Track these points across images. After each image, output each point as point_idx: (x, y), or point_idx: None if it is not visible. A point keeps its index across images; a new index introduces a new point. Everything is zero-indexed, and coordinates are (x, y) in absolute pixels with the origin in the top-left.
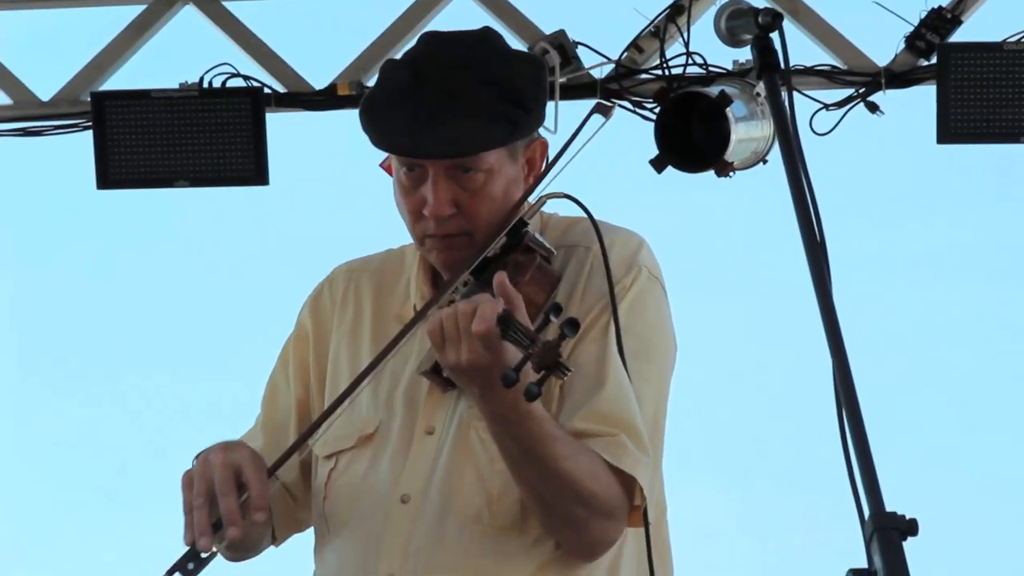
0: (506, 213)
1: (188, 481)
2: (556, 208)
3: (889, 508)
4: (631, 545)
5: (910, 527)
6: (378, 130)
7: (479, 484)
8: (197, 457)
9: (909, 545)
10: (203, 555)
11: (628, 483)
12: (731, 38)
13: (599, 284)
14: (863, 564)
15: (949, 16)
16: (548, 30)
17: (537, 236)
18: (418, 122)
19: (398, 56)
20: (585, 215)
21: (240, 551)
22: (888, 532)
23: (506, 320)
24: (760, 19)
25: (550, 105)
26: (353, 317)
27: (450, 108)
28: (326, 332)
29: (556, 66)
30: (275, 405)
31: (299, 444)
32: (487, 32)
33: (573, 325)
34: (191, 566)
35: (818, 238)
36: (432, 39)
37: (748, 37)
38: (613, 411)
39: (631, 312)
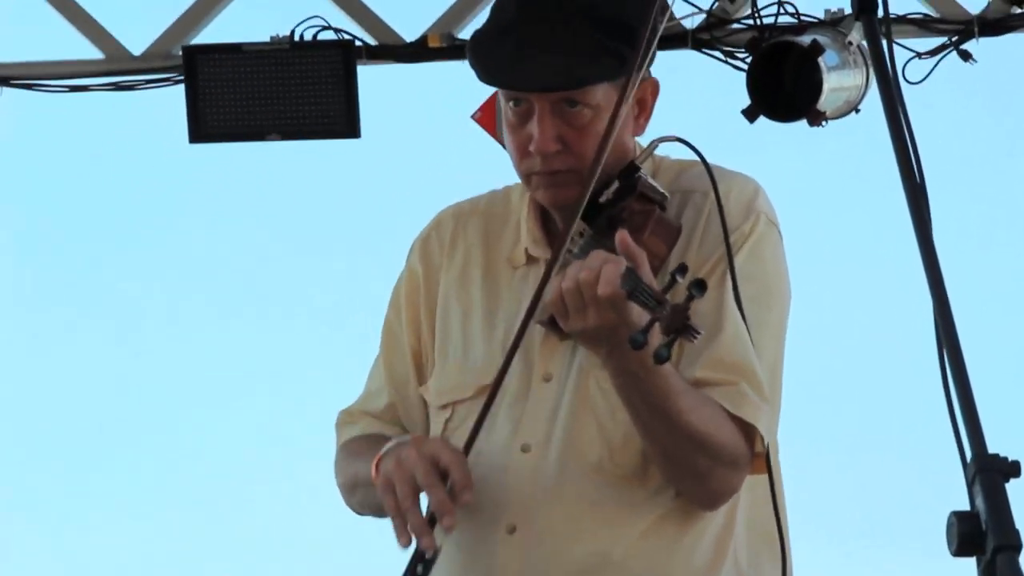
0: (616, 155)
1: (387, 485)
2: (667, 151)
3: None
4: (745, 493)
5: (1013, 469)
6: (483, 64)
7: (600, 433)
8: (380, 460)
9: (1013, 487)
10: (427, 555)
11: (749, 431)
12: None
13: (717, 231)
14: (966, 507)
15: None
16: None
17: (650, 180)
18: (523, 56)
19: (490, 4)
20: (698, 159)
21: None
22: (991, 474)
23: (633, 282)
24: None
25: None
26: (462, 261)
27: (556, 42)
28: (435, 276)
29: None
30: (396, 355)
31: (483, 418)
32: None
33: (701, 286)
34: (420, 569)
35: (918, 179)
36: None
37: None
38: (733, 358)
39: (750, 258)
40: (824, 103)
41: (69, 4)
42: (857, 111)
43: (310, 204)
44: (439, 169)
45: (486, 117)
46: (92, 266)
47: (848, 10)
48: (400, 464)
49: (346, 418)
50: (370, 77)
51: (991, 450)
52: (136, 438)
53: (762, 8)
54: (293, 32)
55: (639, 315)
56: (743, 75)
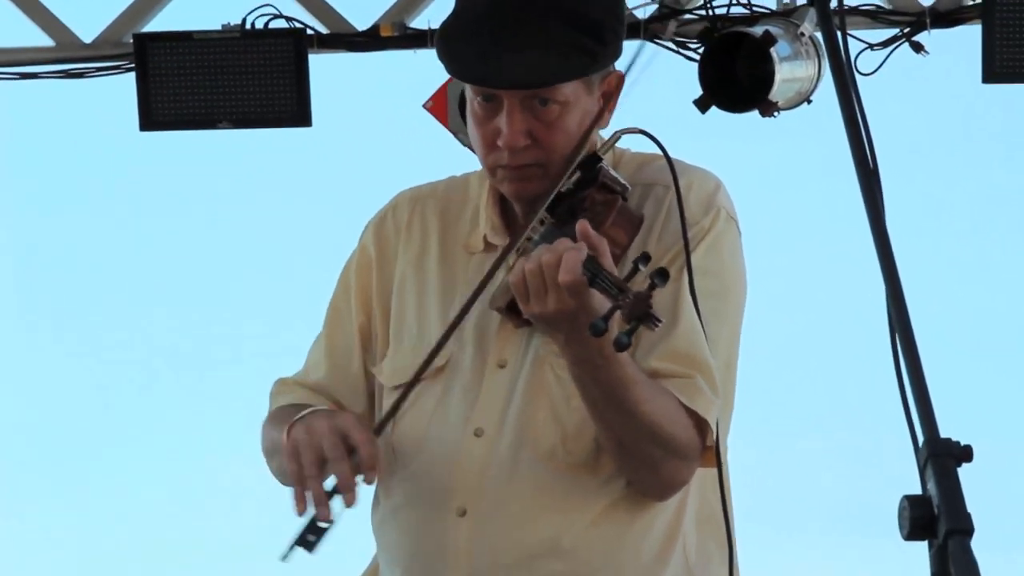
0: (579, 146)
1: (293, 451)
2: (628, 144)
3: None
4: (695, 485)
5: (965, 453)
6: (455, 59)
7: (554, 421)
8: (292, 426)
9: (964, 471)
10: (322, 525)
11: (702, 424)
12: None
13: (676, 225)
14: (918, 491)
15: None
16: None
17: (612, 172)
18: (496, 52)
19: None
20: (660, 152)
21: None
22: (943, 458)
23: (594, 269)
24: None
25: None
26: (419, 245)
27: (528, 38)
28: (390, 258)
29: None
30: (338, 330)
31: (402, 400)
32: None
33: (663, 275)
34: (312, 538)
35: (871, 166)
36: None
37: None
38: (689, 351)
39: (708, 253)
40: (776, 94)
41: None
42: (809, 102)
43: (261, 192)
44: (390, 158)
45: (437, 106)
46: (38, 252)
47: (800, 0)
48: (310, 432)
49: (280, 387)
50: (322, 66)
51: (943, 434)
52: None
53: None
54: (244, 20)
55: (600, 303)
56: (695, 65)
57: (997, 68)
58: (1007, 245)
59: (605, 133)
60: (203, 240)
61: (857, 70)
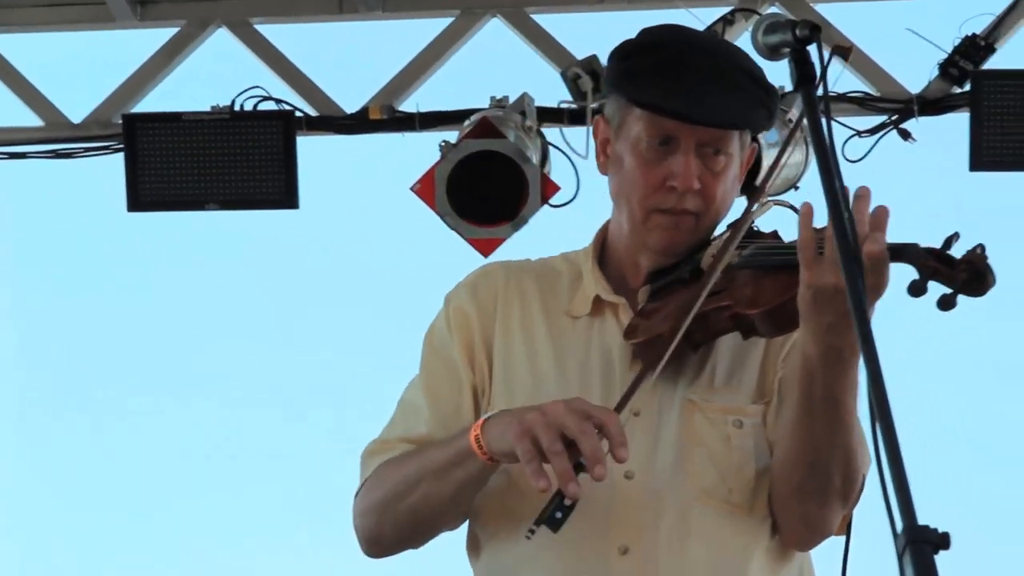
0: (728, 208)
1: (526, 433)
2: None
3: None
4: (808, 558)
5: (943, 541)
6: (650, 90)
7: (711, 462)
8: (490, 423)
9: (942, 559)
10: (567, 503)
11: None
12: (768, 51)
13: None
14: None
15: (982, 43)
16: (580, 55)
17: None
18: (698, 90)
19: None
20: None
21: (446, 523)
22: (920, 546)
23: (898, 245)
24: (798, 31)
25: (581, 130)
26: (520, 310)
27: (724, 83)
28: (490, 316)
29: (588, 91)
30: (443, 389)
31: (639, 381)
32: None
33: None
34: (558, 515)
35: (854, 249)
36: (671, 28)
37: (786, 50)
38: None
39: None
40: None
41: (8, 70)
42: (796, 188)
43: (248, 275)
44: (378, 240)
45: (425, 189)
46: (26, 332)
47: (788, 87)
48: (544, 414)
49: (380, 447)
50: (310, 148)
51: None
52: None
53: None
54: (234, 102)
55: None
56: None
57: (984, 156)
58: (994, 332)
59: None
60: (189, 322)
61: (844, 156)
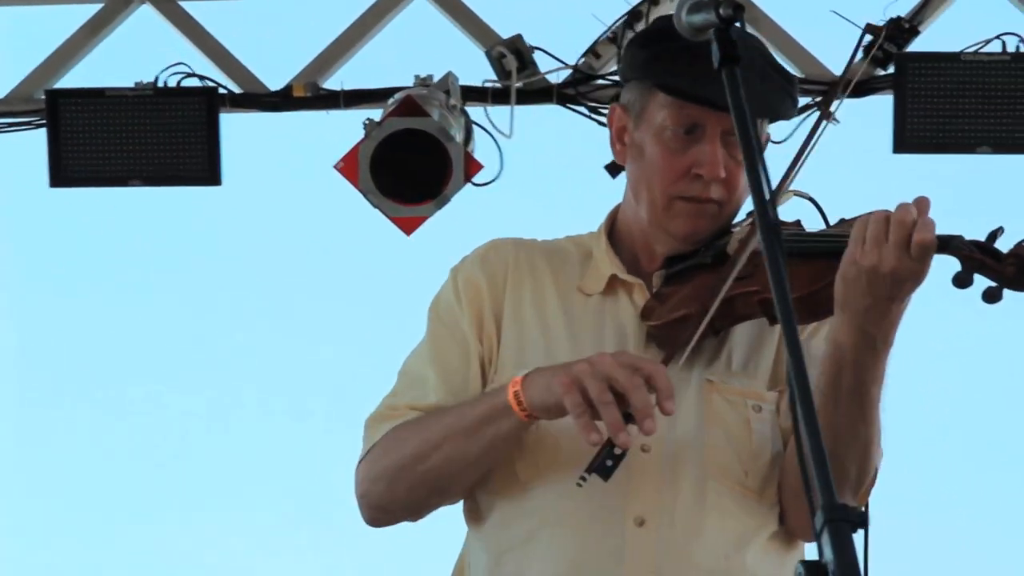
0: (745, 197)
1: (574, 381)
2: None
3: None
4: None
5: (861, 519)
6: (681, 77)
7: (729, 443)
8: (530, 378)
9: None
10: (617, 452)
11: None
12: (692, 31)
13: None
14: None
15: (907, 26)
16: (505, 34)
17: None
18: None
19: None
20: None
21: (449, 493)
22: (839, 524)
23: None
24: (721, 10)
25: (505, 109)
26: (532, 285)
27: (765, 74)
28: (500, 288)
29: (513, 71)
30: (451, 359)
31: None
32: None
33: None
34: (610, 463)
35: (772, 221)
36: None
37: (709, 30)
38: None
39: None
40: None
41: None
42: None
43: (170, 251)
44: (300, 218)
45: (348, 167)
46: None
47: None
48: (593, 365)
49: (388, 413)
50: (233, 125)
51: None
52: None
53: None
54: (157, 79)
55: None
56: (607, 130)
57: (908, 138)
58: (920, 314)
59: None
60: (110, 298)
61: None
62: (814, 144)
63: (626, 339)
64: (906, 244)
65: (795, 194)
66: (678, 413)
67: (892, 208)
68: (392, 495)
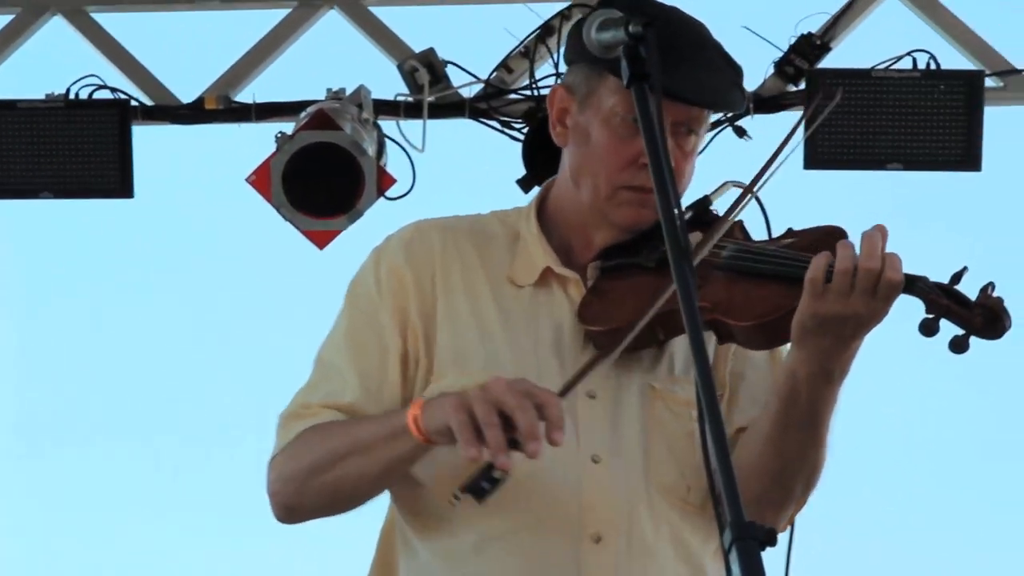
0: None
1: (462, 405)
2: None
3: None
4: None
5: (769, 537)
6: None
7: (671, 457)
8: (429, 406)
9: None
10: (496, 475)
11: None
12: (601, 49)
13: None
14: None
15: (818, 42)
16: (418, 48)
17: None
18: (686, 68)
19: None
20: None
21: (362, 498)
22: (747, 542)
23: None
24: (631, 27)
25: (418, 123)
26: (462, 275)
27: (704, 62)
28: (428, 282)
29: (425, 85)
30: (370, 354)
31: (592, 365)
32: None
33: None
34: (486, 486)
35: (683, 245)
36: (660, 8)
37: (619, 47)
38: None
39: None
40: None
41: None
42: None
43: (81, 264)
44: (213, 231)
45: (260, 180)
46: None
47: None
48: (485, 390)
49: (302, 411)
50: (146, 138)
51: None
52: None
53: (540, 79)
54: (69, 90)
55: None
56: (519, 145)
57: (819, 154)
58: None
59: None
60: (22, 310)
61: None
62: (788, 154)
63: (563, 338)
64: (873, 289)
65: (733, 185)
66: (622, 420)
67: (808, 222)
68: (301, 498)
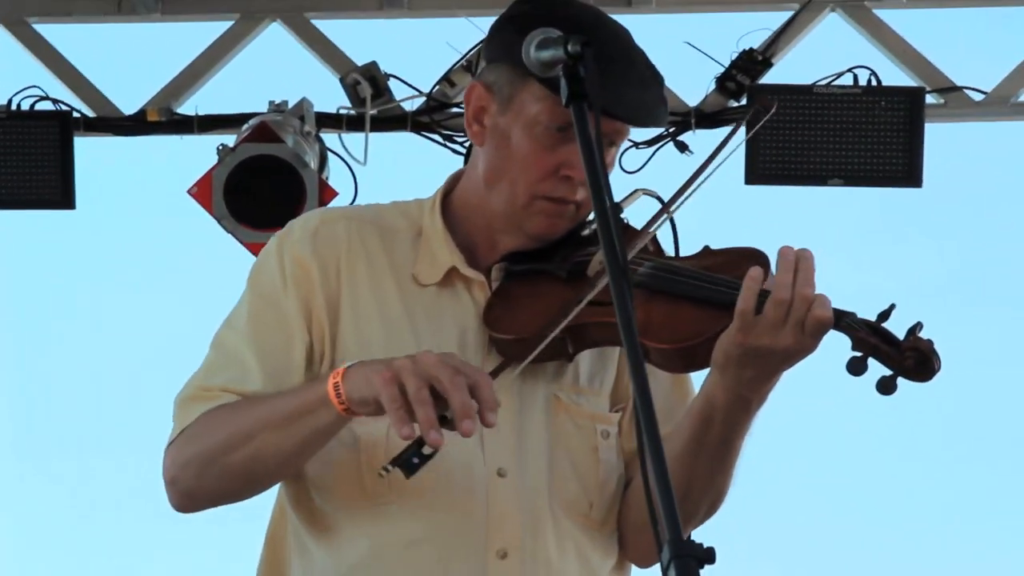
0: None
1: (393, 377)
2: None
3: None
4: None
5: (708, 555)
6: (579, 86)
7: (575, 472)
8: (351, 372)
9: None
10: (426, 452)
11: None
12: (541, 67)
13: None
14: None
15: (760, 58)
16: (360, 61)
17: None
18: (614, 81)
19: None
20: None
21: (269, 480)
22: (686, 560)
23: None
24: (569, 47)
25: (360, 136)
26: (368, 269)
27: (635, 77)
28: (333, 273)
29: (367, 98)
30: (270, 343)
31: (498, 373)
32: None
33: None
34: (415, 461)
35: (621, 262)
36: (582, 7)
37: (558, 66)
38: None
39: None
40: None
41: None
42: None
43: (21, 275)
44: (154, 242)
45: (202, 192)
46: None
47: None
48: (416, 363)
49: (200, 393)
50: (87, 149)
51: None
52: None
53: None
54: (10, 101)
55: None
56: (461, 159)
57: (759, 170)
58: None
59: None
60: None
61: (622, 167)
62: (710, 173)
63: (467, 341)
64: (802, 323)
65: (643, 193)
66: (527, 432)
67: (747, 238)
68: (200, 483)
